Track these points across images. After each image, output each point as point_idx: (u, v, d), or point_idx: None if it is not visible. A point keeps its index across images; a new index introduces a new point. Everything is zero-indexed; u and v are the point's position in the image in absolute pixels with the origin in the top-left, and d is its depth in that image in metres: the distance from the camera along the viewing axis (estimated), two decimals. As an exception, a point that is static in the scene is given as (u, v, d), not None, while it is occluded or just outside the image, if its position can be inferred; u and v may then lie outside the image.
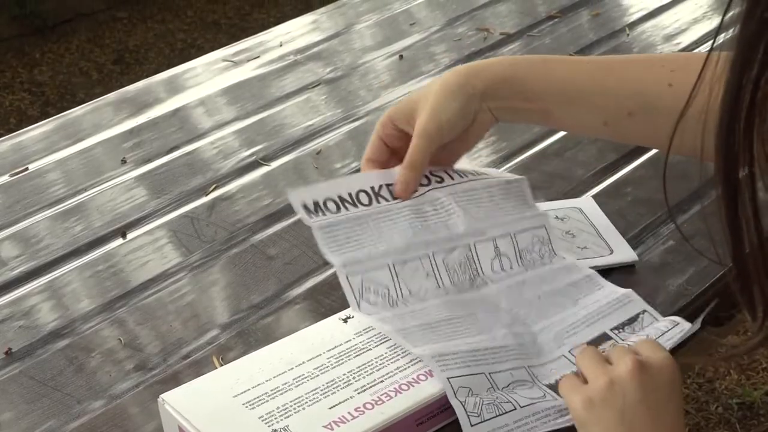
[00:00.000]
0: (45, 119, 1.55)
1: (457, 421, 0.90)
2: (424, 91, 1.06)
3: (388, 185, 1.08)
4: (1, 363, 1.05)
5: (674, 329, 1.00)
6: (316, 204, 1.03)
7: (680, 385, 0.89)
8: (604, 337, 1.00)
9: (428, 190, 1.09)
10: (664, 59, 1.06)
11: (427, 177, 1.10)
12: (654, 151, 1.35)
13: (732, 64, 0.65)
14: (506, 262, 1.08)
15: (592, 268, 1.11)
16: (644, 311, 1.04)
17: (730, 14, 0.66)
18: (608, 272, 1.12)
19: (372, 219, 1.05)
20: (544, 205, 1.22)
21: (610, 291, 1.06)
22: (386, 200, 1.07)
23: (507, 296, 1.04)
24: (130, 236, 1.24)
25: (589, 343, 0.99)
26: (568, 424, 0.90)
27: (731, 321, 1.25)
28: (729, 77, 0.65)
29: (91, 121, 1.52)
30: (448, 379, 0.90)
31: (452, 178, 1.11)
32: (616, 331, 1.01)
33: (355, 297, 1.00)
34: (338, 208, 1.04)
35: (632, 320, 1.03)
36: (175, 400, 0.90)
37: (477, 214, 1.09)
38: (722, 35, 0.67)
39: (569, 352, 0.98)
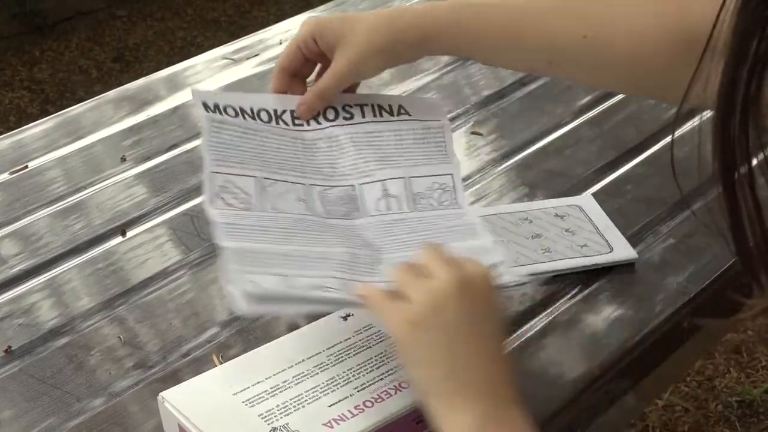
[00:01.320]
0: (45, 117, 1.55)
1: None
2: (352, 26, 1.06)
3: (292, 111, 1.08)
4: (0, 361, 1.05)
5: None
6: (216, 105, 1.04)
7: (497, 299, 0.85)
8: None
9: (330, 126, 1.08)
10: (582, 9, 1.05)
11: (335, 110, 1.09)
12: (654, 149, 1.35)
13: (727, 58, 0.65)
14: (394, 203, 1.05)
15: (592, 266, 1.11)
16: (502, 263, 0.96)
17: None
18: (608, 270, 1.12)
19: (261, 135, 1.05)
20: (543, 203, 1.22)
21: (484, 242, 1.00)
22: (285, 125, 1.07)
23: (375, 229, 1.02)
24: (129, 234, 1.24)
25: None
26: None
27: (731, 317, 1.25)
28: (724, 71, 0.65)
29: (91, 118, 1.52)
30: (237, 271, 0.89)
31: (363, 116, 1.10)
32: None
33: (209, 193, 0.98)
34: (236, 115, 1.05)
35: None
36: (174, 398, 0.90)
37: (371, 155, 1.07)
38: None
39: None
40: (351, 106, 1.10)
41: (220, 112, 1.04)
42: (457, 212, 1.05)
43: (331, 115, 1.09)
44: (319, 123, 1.08)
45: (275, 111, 1.07)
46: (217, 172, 1.00)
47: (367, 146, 1.08)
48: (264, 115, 1.07)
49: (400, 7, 1.14)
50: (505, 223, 1.19)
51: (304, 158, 1.06)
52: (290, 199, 1.02)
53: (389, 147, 1.08)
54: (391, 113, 1.10)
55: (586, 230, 1.17)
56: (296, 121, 1.08)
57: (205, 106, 1.03)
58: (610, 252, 1.14)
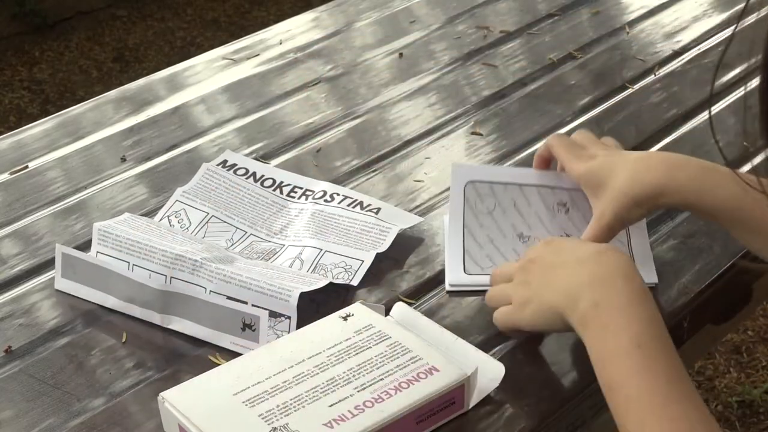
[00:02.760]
0: (45, 117, 1.55)
1: (457, 419, 0.91)
2: (615, 172, 1.08)
3: (291, 185, 1.28)
4: (1, 361, 1.05)
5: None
6: (224, 162, 1.31)
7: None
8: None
9: (311, 202, 1.23)
10: None
11: (325, 192, 1.24)
12: (654, 149, 1.35)
13: (765, 52, 0.66)
14: (297, 265, 1.13)
15: None
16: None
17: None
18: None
19: (244, 190, 1.25)
20: None
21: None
22: (280, 193, 1.27)
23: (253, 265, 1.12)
24: (130, 234, 1.24)
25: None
26: None
27: (732, 319, 1.25)
28: (763, 64, 0.67)
29: (91, 119, 1.52)
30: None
31: (340, 203, 1.22)
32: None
33: (167, 211, 1.22)
34: (244, 174, 1.30)
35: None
36: (175, 399, 0.90)
37: (315, 229, 1.18)
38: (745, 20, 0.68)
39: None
40: (338, 194, 1.24)
41: (227, 168, 1.29)
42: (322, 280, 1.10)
43: (319, 194, 1.24)
44: (306, 199, 1.22)
45: (281, 182, 1.28)
46: (179, 201, 1.23)
47: (320, 222, 1.19)
48: (267, 182, 1.28)
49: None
50: (539, 230, 1.18)
51: (266, 216, 1.21)
52: (222, 238, 1.19)
53: (336, 227, 1.19)
54: (362, 208, 1.21)
55: (619, 242, 1.15)
56: (291, 193, 1.26)
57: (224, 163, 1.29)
58: None
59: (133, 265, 1.11)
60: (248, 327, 1.03)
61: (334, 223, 1.19)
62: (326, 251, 1.15)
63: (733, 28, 0.74)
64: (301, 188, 1.26)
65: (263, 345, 1.00)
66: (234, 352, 1.03)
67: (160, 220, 1.22)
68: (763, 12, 0.71)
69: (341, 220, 1.20)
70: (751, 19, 0.73)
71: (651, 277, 1.11)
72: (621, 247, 1.14)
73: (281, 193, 1.26)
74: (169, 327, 1.07)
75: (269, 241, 1.18)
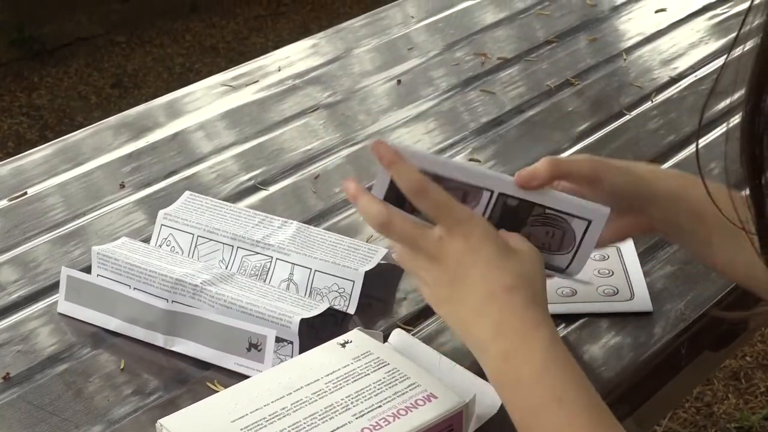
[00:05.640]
0: (44, 143, 1.55)
1: (455, 446, 0.91)
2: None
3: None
4: (-1, 388, 1.05)
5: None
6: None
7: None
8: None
9: (290, 225, 1.21)
10: None
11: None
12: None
13: (750, 78, 0.66)
14: (293, 288, 1.14)
15: (610, 312, 1.11)
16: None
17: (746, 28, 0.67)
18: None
19: (226, 209, 1.24)
20: None
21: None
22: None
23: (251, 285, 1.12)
24: (128, 260, 1.24)
25: None
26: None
27: (730, 345, 1.25)
28: (747, 90, 0.67)
29: (90, 145, 1.52)
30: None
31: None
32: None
33: (156, 239, 1.22)
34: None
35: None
36: (173, 425, 0.90)
37: (298, 242, 1.18)
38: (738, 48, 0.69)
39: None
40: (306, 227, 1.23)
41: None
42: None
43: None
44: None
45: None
46: (164, 225, 1.22)
47: (306, 237, 1.19)
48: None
49: None
50: None
51: (248, 228, 1.20)
52: (214, 257, 1.19)
53: (322, 243, 1.18)
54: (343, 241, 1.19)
55: (618, 274, 1.16)
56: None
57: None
58: (630, 300, 1.12)
59: (134, 288, 1.11)
60: (254, 347, 1.03)
61: (320, 238, 1.19)
62: (316, 271, 1.14)
63: (724, 57, 0.75)
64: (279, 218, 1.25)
65: (265, 368, 1.00)
66: (237, 374, 1.03)
67: (157, 243, 1.22)
68: (749, 45, 0.72)
69: (327, 236, 1.19)
70: (748, 45, 0.73)
71: (646, 304, 1.11)
72: (616, 274, 1.15)
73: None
74: (172, 349, 1.07)
75: (256, 252, 1.17)
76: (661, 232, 1.08)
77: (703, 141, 1.39)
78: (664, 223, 1.04)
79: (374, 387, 0.93)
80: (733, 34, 0.70)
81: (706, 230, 1.01)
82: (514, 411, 0.85)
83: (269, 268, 1.16)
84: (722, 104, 1.45)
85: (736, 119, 0.72)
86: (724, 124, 1.40)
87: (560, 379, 0.84)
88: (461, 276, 0.88)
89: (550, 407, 0.83)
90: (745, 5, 0.70)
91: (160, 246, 1.21)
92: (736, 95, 0.72)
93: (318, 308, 1.06)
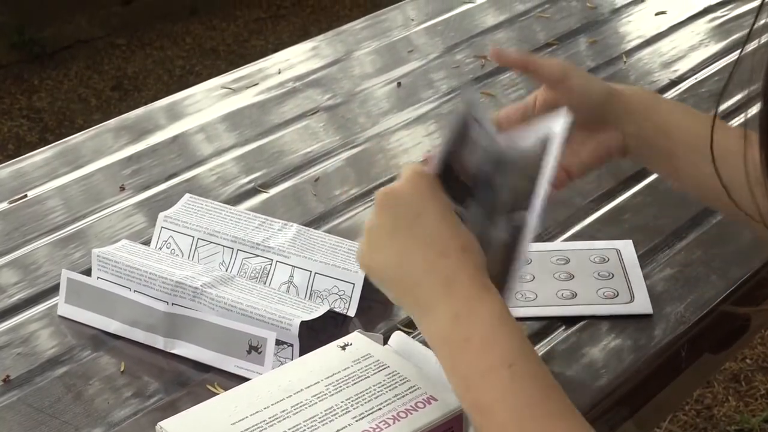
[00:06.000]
0: (44, 146, 1.55)
1: (455, 448, 0.91)
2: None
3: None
4: (-1, 390, 1.05)
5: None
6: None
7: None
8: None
9: (291, 227, 1.21)
10: None
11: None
12: (652, 178, 1.35)
13: (766, 71, 0.67)
14: (293, 291, 1.14)
15: (610, 315, 1.11)
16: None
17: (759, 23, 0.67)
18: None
19: (226, 211, 1.24)
20: (584, 244, 1.21)
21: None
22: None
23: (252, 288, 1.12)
24: (128, 263, 1.24)
25: None
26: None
27: (731, 347, 1.25)
28: (765, 84, 0.67)
29: (91, 147, 1.52)
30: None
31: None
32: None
33: (156, 242, 1.22)
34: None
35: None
36: (173, 428, 0.90)
37: (298, 245, 1.17)
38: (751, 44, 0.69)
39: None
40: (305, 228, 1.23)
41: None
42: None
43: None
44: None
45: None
46: (164, 228, 1.22)
47: (306, 240, 1.19)
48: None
49: None
50: (543, 261, 1.19)
51: (248, 230, 1.20)
52: (214, 260, 1.19)
53: (322, 245, 1.18)
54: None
55: (618, 277, 1.16)
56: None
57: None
58: (630, 302, 1.13)
59: (135, 291, 1.11)
60: (254, 349, 1.03)
61: (320, 241, 1.19)
62: (316, 273, 1.14)
63: (738, 51, 0.75)
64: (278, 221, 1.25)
65: (266, 371, 1.00)
66: (237, 377, 1.03)
67: (158, 245, 1.22)
68: (764, 39, 0.72)
69: (327, 239, 1.19)
70: (752, 45, 0.73)
71: (646, 306, 1.12)
72: (616, 277, 1.15)
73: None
74: (172, 351, 1.07)
75: (257, 255, 1.17)
76: (632, 150, 1.07)
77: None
78: (636, 138, 1.05)
79: (374, 389, 0.93)
80: (733, 36, 0.70)
81: (672, 145, 1.04)
82: (455, 373, 0.84)
83: (269, 271, 1.16)
84: (725, 105, 1.45)
85: (753, 110, 0.72)
86: (736, 119, 1.40)
87: (511, 344, 0.82)
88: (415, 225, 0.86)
89: (500, 371, 0.81)
90: (745, 8, 0.70)
91: (161, 248, 1.21)
92: (744, 93, 0.73)
93: (318, 311, 1.07)
